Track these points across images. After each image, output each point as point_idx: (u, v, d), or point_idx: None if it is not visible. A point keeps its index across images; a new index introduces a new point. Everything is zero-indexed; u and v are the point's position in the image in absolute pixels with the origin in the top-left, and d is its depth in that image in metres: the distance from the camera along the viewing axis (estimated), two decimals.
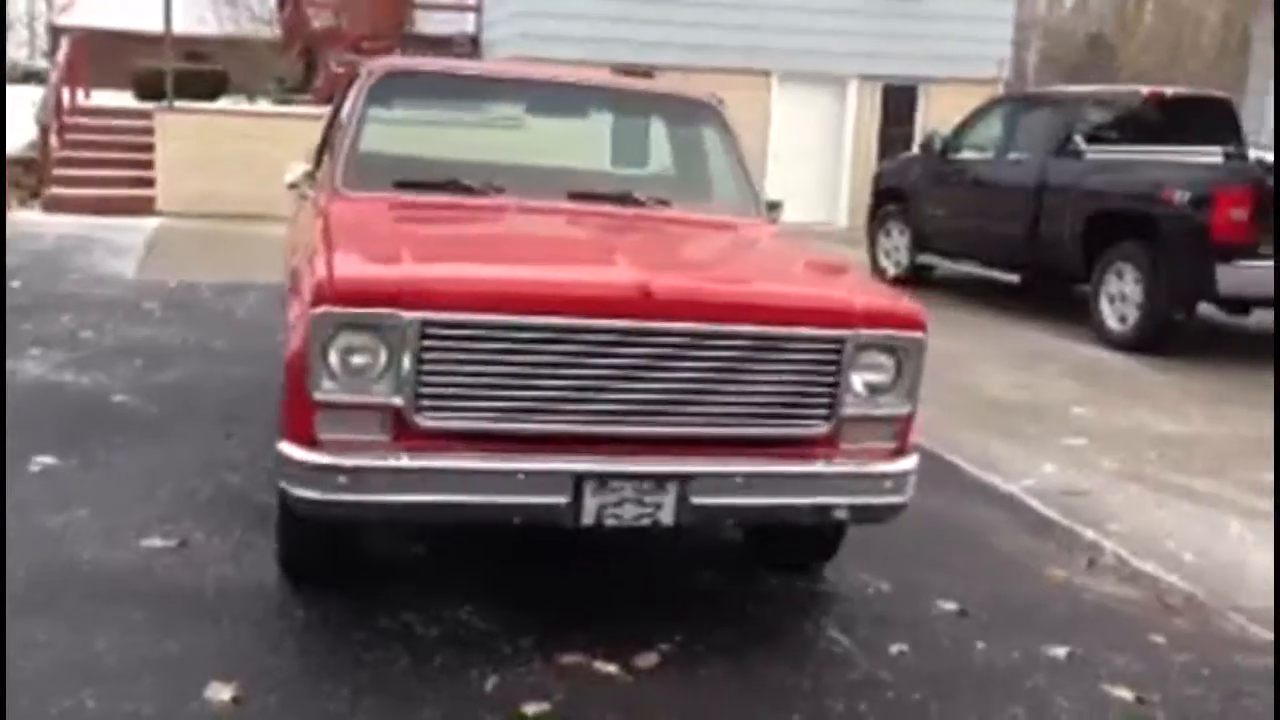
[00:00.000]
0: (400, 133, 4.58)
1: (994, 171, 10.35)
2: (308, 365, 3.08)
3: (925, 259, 11.27)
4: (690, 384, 3.26)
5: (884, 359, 3.44)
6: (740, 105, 16.45)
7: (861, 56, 16.33)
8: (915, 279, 11.30)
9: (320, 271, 3.14)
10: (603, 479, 3.22)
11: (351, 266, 3.23)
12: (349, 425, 3.14)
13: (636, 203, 4.27)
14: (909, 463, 3.53)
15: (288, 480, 3.15)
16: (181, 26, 17.54)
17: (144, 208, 14.04)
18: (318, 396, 3.10)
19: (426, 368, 3.11)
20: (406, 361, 3.09)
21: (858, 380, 3.41)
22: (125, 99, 19.75)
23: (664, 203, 4.34)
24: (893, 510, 3.55)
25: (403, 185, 4.17)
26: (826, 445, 3.43)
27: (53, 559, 3.68)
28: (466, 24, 18.09)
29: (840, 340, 3.35)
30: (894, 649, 3.54)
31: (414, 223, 3.90)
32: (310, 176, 4.49)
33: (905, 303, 3.52)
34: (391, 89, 4.48)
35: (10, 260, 9.82)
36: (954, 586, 4.07)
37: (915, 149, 11.81)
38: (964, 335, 8.97)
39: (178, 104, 14.99)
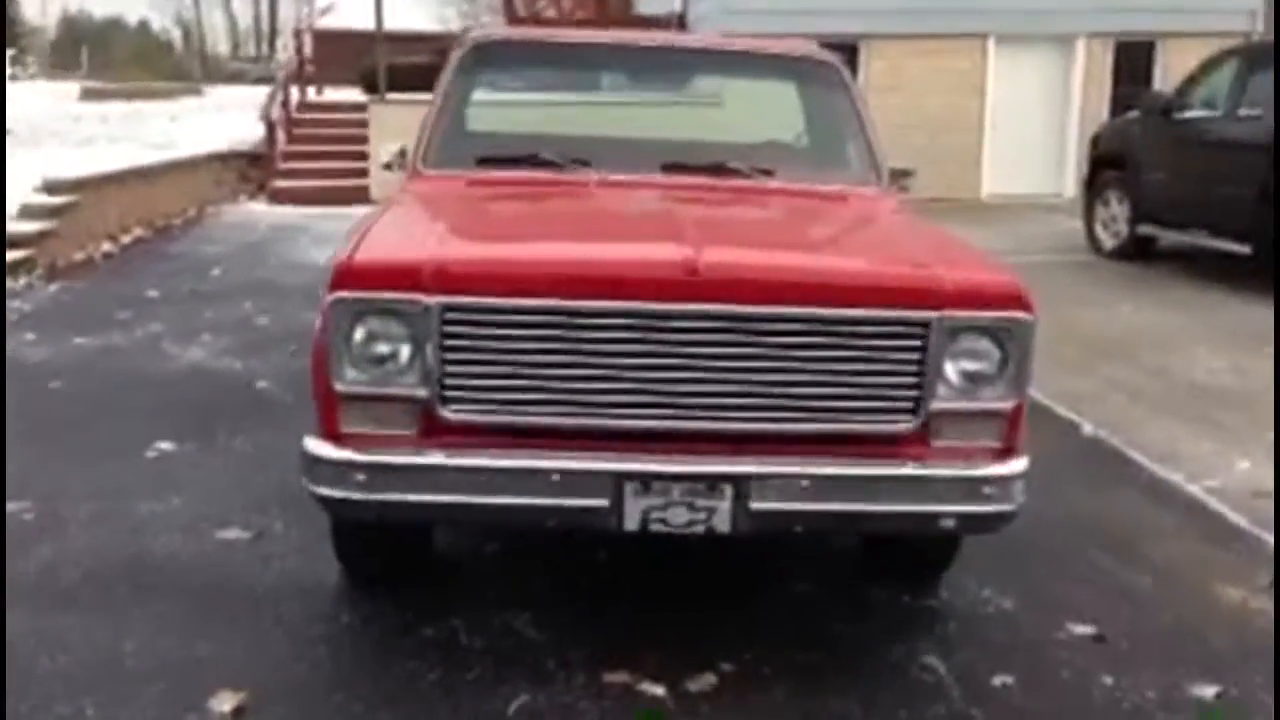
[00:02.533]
0: (490, 106, 4.36)
1: (1223, 131, 9.28)
2: (330, 354, 2.89)
3: (1147, 230, 10.25)
4: (747, 373, 2.89)
5: (984, 344, 2.97)
6: (954, 73, 15.69)
7: (1090, 12, 15.11)
8: (1136, 251, 10.32)
9: (343, 255, 2.95)
10: (647, 480, 2.89)
11: (375, 248, 3.02)
12: (373, 418, 2.93)
13: (734, 173, 3.89)
14: (1017, 465, 3.04)
15: (309, 477, 2.97)
16: (422, 25, 18.05)
17: (360, 197, 14.50)
18: (339, 388, 2.90)
19: (450, 356, 2.86)
20: (430, 350, 2.85)
21: (952, 369, 2.96)
22: (354, 94, 20.56)
23: (767, 173, 3.94)
24: (998, 520, 3.06)
25: (485, 162, 3.95)
26: (914, 444, 2.99)
27: (123, 550, 3.66)
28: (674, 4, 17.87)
29: (924, 324, 2.90)
30: (997, 681, 3.05)
31: (478, 202, 3.66)
32: (404, 155, 4.34)
33: (1007, 278, 3.03)
34: (483, 60, 4.26)
35: (216, 250, 10.28)
36: (1094, 606, 3.52)
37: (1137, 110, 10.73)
38: (1179, 312, 8.06)
39: (390, 96, 15.42)
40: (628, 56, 4.27)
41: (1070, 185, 15.27)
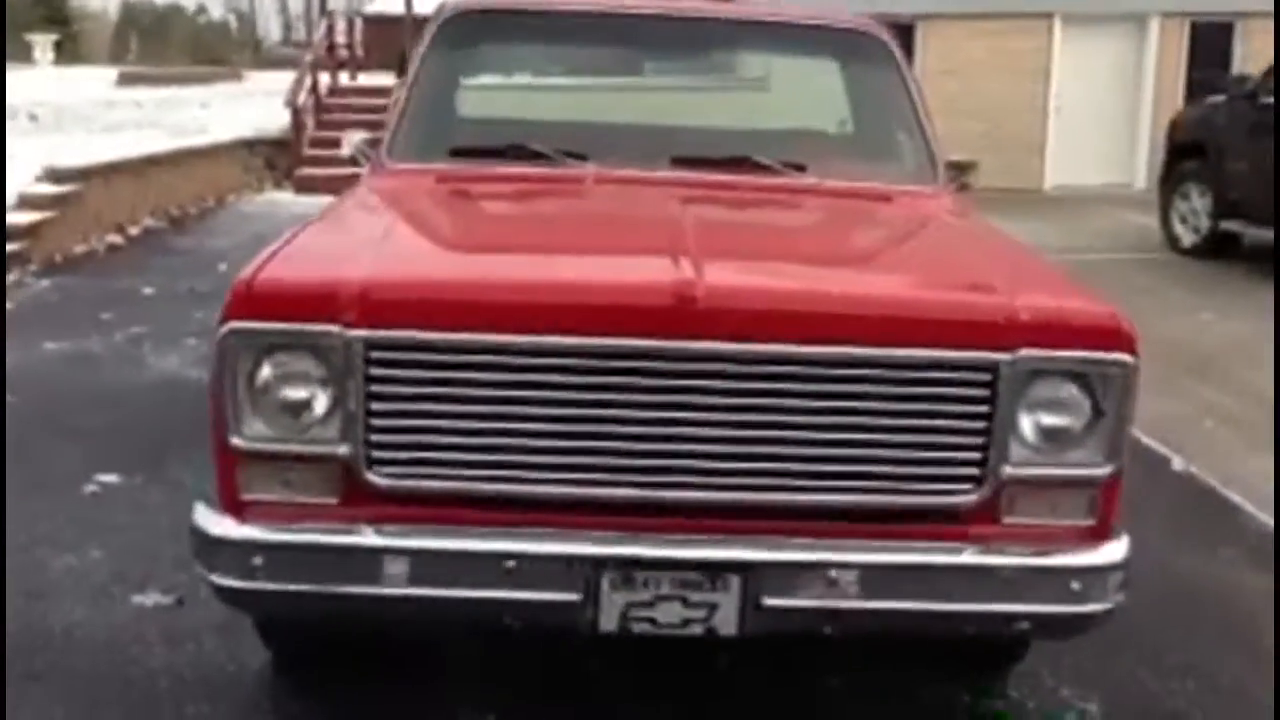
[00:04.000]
0: (472, 88, 3.70)
1: None
2: (226, 401, 2.26)
3: (1230, 225, 9.39)
4: (759, 429, 2.23)
5: (1071, 392, 2.30)
6: (1017, 54, 14.76)
7: None
8: (1217, 249, 9.47)
9: (245, 272, 2.31)
10: (628, 568, 2.25)
11: (287, 264, 2.39)
12: (282, 483, 2.30)
13: (758, 168, 3.20)
14: (1113, 550, 2.36)
15: (199, 559, 2.34)
16: None
17: None
18: (238, 443, 2.27)
19: (379, 405, 2.23)
20: (354, 396, 2.21)
21: (1029, 424, 2.29)
22: (390, 80, 20.00)
23: (798, 168, 3.24)
24: (1086, 622, 2.37)
25: (461, 153, 3.29)
26: (979, 521, 2.32)
27: (15, 621, 3.03)
28: None
29: (992, 366, 2.22)
30: None
31: (442, 202, 3.01)
32: (374, 145, 3.69)
33: (1100, 307, 2.34)
34: (464, 33, 3.58)
35: (228, 243, 9.72)
36: (1201, 706, 2.81)
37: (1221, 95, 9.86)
38: (1271, 320, 7.24)
39: None
40: (633, 27, 3.56)
41: (1141, 176, 14.34)
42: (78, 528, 3.66)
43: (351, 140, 3.57)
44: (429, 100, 3.44)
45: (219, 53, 47.97)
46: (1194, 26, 14.62)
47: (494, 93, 3.84)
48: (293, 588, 2.27)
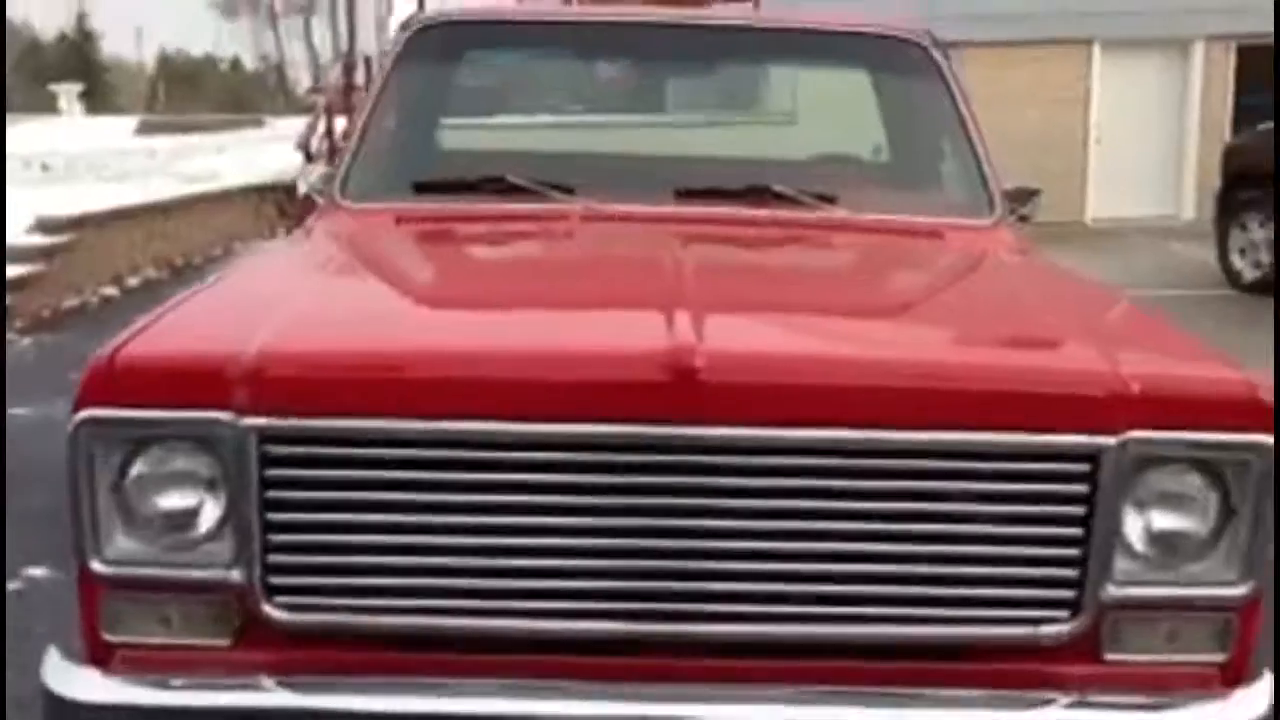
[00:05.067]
0: (447, 112, 3.16)
1: None
2: (83, 511, 1.73)
3: None
4: (778, 539, 1.69)
5: (1194, 485, 1.74)
6: (1055, 84, 14.18)
7: (1208, 12, 13.56)
8: None
9: (109, 346, 1.78)
10: None
11: (165, 333, 1.86)
12: (159, 620, 1.77)
13: (780, 200, 2.66)
14: (1253, 698, 1.77)
15: None
16: None
17: None
18: (100, 568, 1.74)
19: (280, 516, 1.69)
20: (248, 505, 1.68)
21: (1138, 528, 1.74)
22: None
23: (828, 200, 2.70)
24: None
25: (427, 189, 2.77)
26: (1075, 659, 1.76)
27: None
28: None
29: (1091, 453, 1.66)
30: None
31: (394, 249, 2.48)
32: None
33: (1229, 373, 1.77)
34: (436, 49, 3.04)
35: None
36: None
37: None
38: None
39: None
40: (638, 39, 3.01)
41: (1189, 206, 13.72)
42: None
43: (308, 178, 3.06)
44: (392, 127, 2.93)
45: (249, 102, 48.27)
46: (1240, 50, 14.02)
47: (470, 119, 3.31)
48: None
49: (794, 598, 1.69)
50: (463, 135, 3.19)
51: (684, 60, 3.13)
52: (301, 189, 3.09)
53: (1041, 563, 1.71)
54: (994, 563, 1.70)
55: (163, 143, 18.98)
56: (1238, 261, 9.40)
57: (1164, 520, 1.73)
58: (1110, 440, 1.67)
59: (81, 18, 47.80)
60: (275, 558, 1.70)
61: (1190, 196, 13.81)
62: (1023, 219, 2.97)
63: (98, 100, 38.63)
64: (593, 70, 3.22)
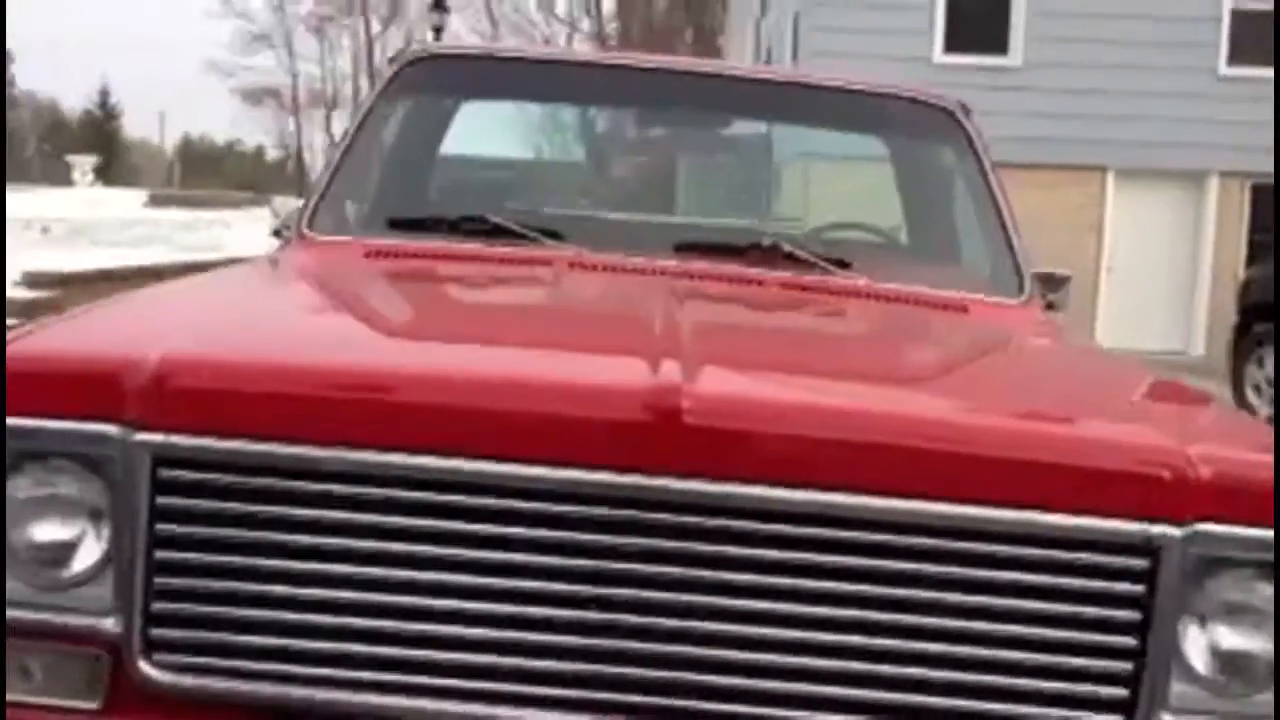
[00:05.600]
0: (432, 149, 2.93)
1: None
2: None
3: None
4: (766, 625, 1.39)
5: (1264, 595, 1.42)
6: (1068, 209, 14.12)
7: (1223, 148, 13.54)
8: None
9: None
10: None
11: (54, 336, 1.59)
12: (17, 671, 1.46)
13: (790, 262, 2.40)
14: None
15: None
16: None
17: None
18: None
19: (167, 556, 1.41)
20: (134, 539, 1.40)
21: (1199, 645, 1.43)
22: None
23: (843, 265, 2.44)
24: None
25: (403, 226, 2.52)
26: None
27: None
28: None
29: (1150, 546, 1.38)
30: None
31: (347, 279, 2.22)
32: None
33: None
34: (427, 82, 2.81)
35: None
36: None
37: None
38: None
39: None
40: (641, 89, 2.82)
41: (1199, 341, 13.51)
42: None
43: (278, 212, 2.83)
44: (372, 161, 2.70)
45: (265, 185, 48.89)
46: (1255, 189, 13.98)
47: (457, 156, 3.08)
48: None
49: (786, 699, 1.40)
50: (448, 174, 2.96)
51: (695, 112, 2.90)
52: (271, 224, 2.86)
53: (1082, 678, 1.41)
54: (1025, 673, 1.40)
55: (170, 214, 18.95)
56: (1254, 399, 9.12)
57: (1231, 636, 1.44)
58: (1174, 531, 1.39)
59: (104, 93, 48.53)
60: (160, 605, 1.40)
61: (1201, 332, 13.62)
62: (1050, 307, 2.73)
63: (115, 175, 38.91)
64: (582, 107, 2.97)
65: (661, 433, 1.36)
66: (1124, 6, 13.19)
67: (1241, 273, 12.37)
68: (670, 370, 1.40)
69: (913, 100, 2.78)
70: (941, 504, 1.37)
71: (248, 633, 1.39)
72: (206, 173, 50.12)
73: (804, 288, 2.34)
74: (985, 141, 2.79)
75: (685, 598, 1.37)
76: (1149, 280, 13.91)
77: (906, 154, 2.89)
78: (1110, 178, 13.97)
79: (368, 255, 2.37)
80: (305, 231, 2.47)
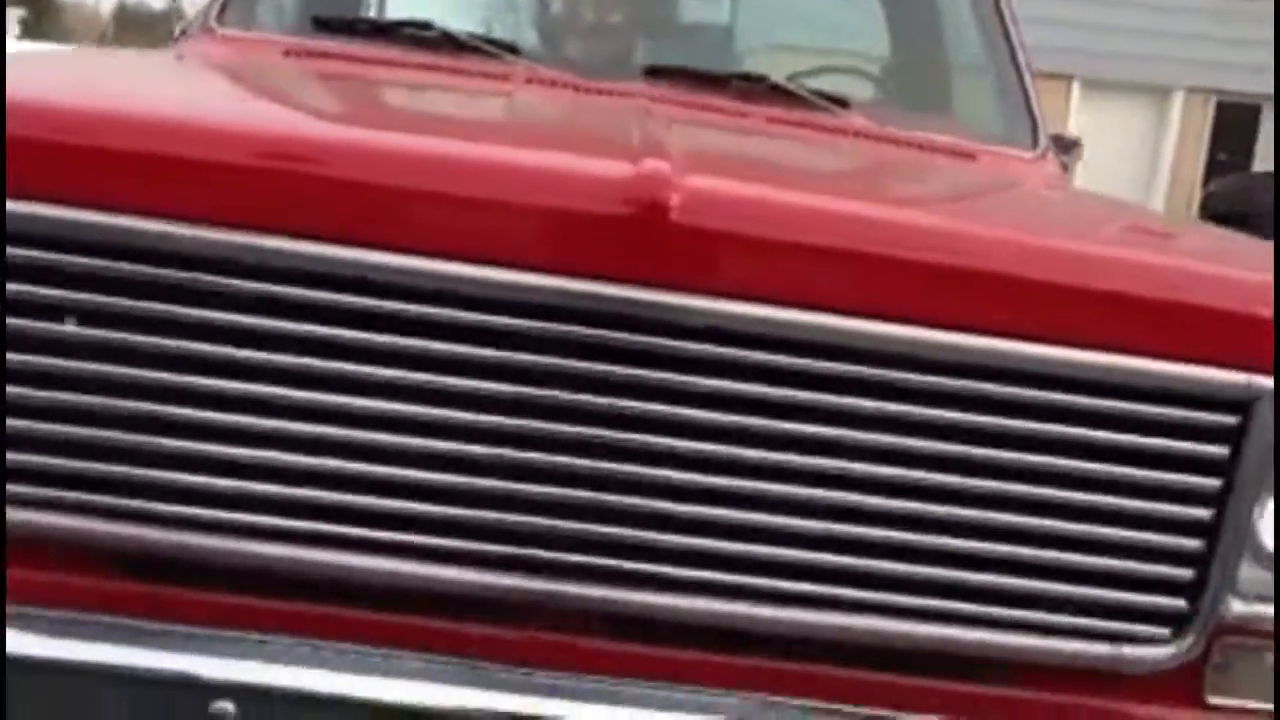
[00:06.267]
0: None
1: None
2: None
3: None
4: (767, 480, 1.11)
5: None
6: None
7: (1191, 64, 13.33)
8: None
9: None
10: None
11: None
12: None
13: (779, 95, 2.07)
14: None
15: None
16: None
17: None
18: None
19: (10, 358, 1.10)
20: None
21: (1270, 523, 1.14)
22: None
23: (839, 103, 2.11)
24: None
25: (330, 27, 2.15)
26: (1168, 697, 1.21)
27: None
28: None
29: (1240, 401, 1.10)
30: None
31: (264, 69, 1.87)
32: None
33: None
34: None
35: None
36: None
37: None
38: None
39: None
40: None
41: None
42: None
43: (184, 13, 2.43)
44: None
45: None
46: (1220, 106, 13.82)
47: None
48: None
49: (772, 566, 1.13)
50: None
51: None
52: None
53: (1143, 554, 1.16)
54: (1071, 544, 1.15)
55: None
56: None
57: None
58: (1268, 384, 1.13)
59: None
60: None
61: None
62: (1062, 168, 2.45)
63: (45, 33, 37.31)
64: None
65: (641, 231, 1.06)
66: None
67: (1199, 189, 12.28)
68: (654, 165, 1.10)
69: None
70: (991, 339, 1.10)
71: (99, 459, 1.09)
72: (142, 39, 48.28)
73: (797, 124, 2.02)
74: None
75: (648, 438, 1.09)
76: (1107, 189, 13.78)
77: None
78: (1075, 87, 13.73)
79: (287, 54, 2.01)
80: (212, 25, 2.10)
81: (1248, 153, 13.34)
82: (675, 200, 1.06)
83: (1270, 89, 13.28)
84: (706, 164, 1.22)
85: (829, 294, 1.09)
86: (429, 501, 1.09)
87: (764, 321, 1.08)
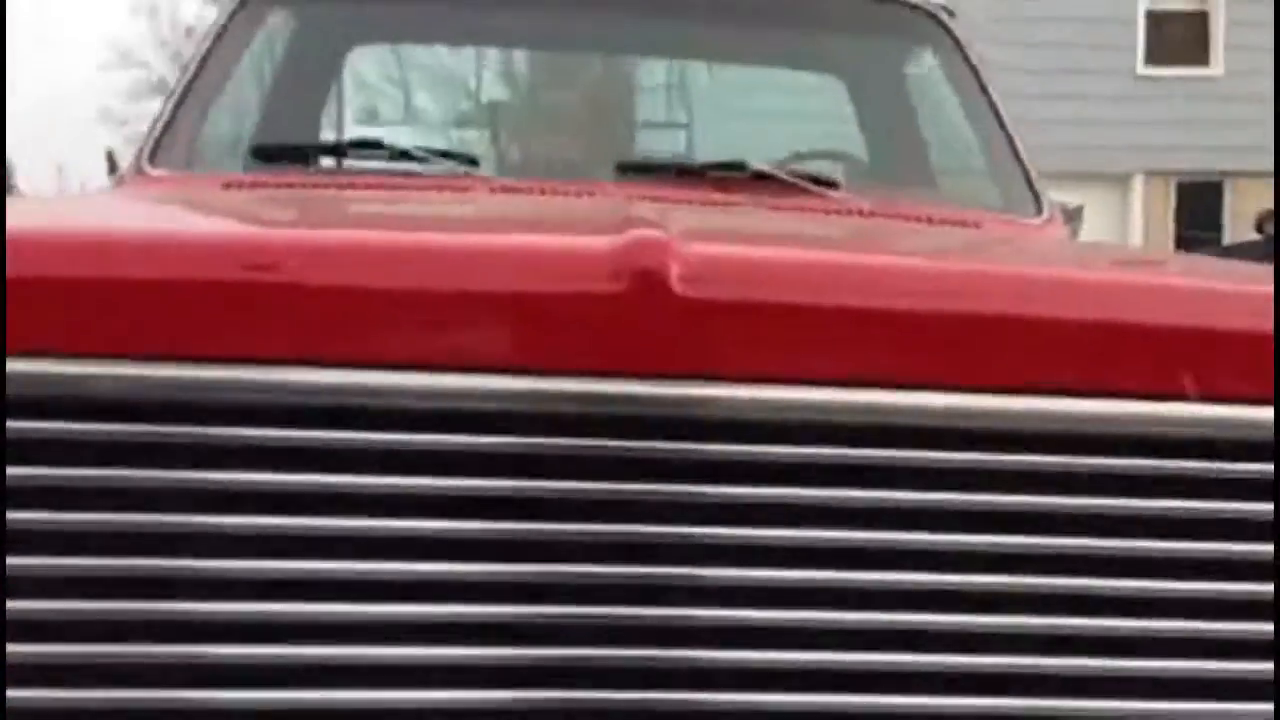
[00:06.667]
0: (311, 59, 2.34)
1: None
2: None
3: None
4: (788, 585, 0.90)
5: None
6: None
7: (1148, 150, 13.48)
8: None
9: None
10: None
11: None
12: None
13: (758, 184, 1.88)
14: None
15: None
16: None
17: None
18: None
19: None
20: None
21: None
22: None
23: (827, 184, 1.94)
24: None
25: (271, 155, 1.97)
26: None
27: None
28: None
29: None
30: None
31: (206, 200, 1.69)
32: None
33: None
34: None
35: None
36: None
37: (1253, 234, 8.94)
38: None
39: None
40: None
41: None
42: None
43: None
44: (230, 79, 2.13)
45: None
46: (1180, 186, 13.96)
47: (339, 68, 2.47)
48: None
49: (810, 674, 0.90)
50: (327, 82, 2.37)
51: (640, 24, 2.35)
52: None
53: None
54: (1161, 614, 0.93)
55: None
56: None
57: None
58: None
59: None
60: None
61: None
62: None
63: None
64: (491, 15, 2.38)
65: (641, 313, 0.86)
66: (1044, 9, 13.14)
67: None
68: (646, 233, 0.91)
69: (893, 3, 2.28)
70: (1016, 398, 0.89)
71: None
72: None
73: (791, 209, 1.84)
74: (969, 47, 2.34)
75: (662, 538, 0.87)
76: None
77: (884, 62, 2.41)
78: None
79: (227, 187, 1.83)
80: (144, 167, 1.92)
81: (1216, 227, 13.43)
82: (677, 270, 0.87)
83: (1229, 166, 13.49)
84: (705, 234, 1.04)
85: (872, 364, 0.89)
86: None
87: (769, 404, 0.87)
